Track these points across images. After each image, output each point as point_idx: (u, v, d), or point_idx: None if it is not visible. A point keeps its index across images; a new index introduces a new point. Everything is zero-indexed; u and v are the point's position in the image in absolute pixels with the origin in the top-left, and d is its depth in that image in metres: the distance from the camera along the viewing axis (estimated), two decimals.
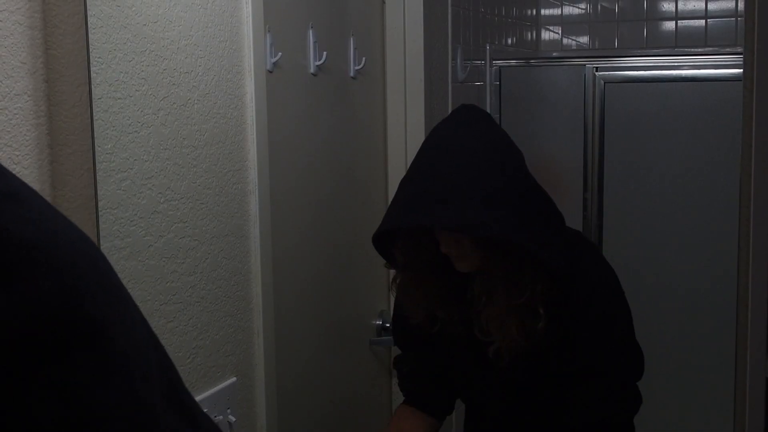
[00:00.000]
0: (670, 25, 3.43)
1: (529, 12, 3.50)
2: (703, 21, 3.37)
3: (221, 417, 1.70)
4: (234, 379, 1.75)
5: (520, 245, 1.52)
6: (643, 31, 3.47)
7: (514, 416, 1.76)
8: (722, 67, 2.85)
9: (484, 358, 1.66)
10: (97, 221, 1.33)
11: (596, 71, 2.92)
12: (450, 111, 2.57)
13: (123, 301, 0.61)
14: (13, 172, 1.19)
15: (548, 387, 1.69)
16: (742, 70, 1.16)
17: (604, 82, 2.92)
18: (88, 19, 1.30)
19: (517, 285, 1.55)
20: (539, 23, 3.57)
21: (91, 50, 1.30)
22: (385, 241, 1.70)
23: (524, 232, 1.52)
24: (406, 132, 2.47)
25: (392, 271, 1.79)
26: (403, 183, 1.63)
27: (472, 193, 1.50)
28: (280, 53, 1.87)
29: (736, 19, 3.30)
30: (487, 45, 2.87)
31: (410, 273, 1.70)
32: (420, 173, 1.58)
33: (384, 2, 2.43)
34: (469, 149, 1.55)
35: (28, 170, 1.22)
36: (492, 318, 1.59)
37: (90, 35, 1.30)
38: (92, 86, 1.31)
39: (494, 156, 1.56)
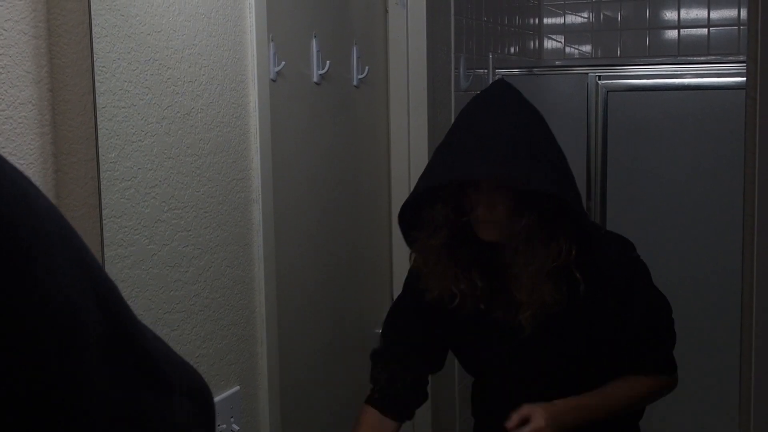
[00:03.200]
0: (672, 33, 3.43)
1: (531, 21, 3.50)
2: (706, 30, 3.37)
3: (224, 426, 1.70)
4: (237, 387, 1.75)
5: (557, 205, 1.56)
6: (646, 39, 3.47)
7: (529, 392, 1.74)
8: (725, 75, 2.85)
9: (501, 331, 1.69)
10: (101, 230, 1.34)
11: (599, 80, 2.92)
12: (453, 120, 2.59)
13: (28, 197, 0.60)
14: None
15: (570, 360, 1.71)
16: (744, 79, 1.17)
17: (607, 91, 2.92)
18: (93, 28, 1.30)
19: (552, 249, 1.57)
20: (542, 32, 3.57)
21: (95, 59, 1.31)
22: (405, 217, 1.71)
23: (568, 191, 1.57)
24: (409, 141, 2.47)
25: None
26: (442, 147, 1.65)
27: (517, 150, 1.54)
28: (283, 62, 1.87)
29: (739, 28, 3.30)
30: (490, 54, 2.88)
31: (434, 245, 1.67)
32: (461, 135, 1.62)
33: (387, 11, 2.44)
34: (509, 111, 1.60)
35: (32, 179, 1.23)
36: (526, 283, 1.60)
37: (94, 44, 1.31)
38: (96, 95, 1.32)
39: (533, 117, 1.62)
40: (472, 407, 1.93)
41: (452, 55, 2.59)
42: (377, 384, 1.85)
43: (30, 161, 1.22)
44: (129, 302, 1.57)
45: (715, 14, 3.35)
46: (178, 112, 1.55)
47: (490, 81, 2.86)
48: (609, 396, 1.70)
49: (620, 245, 1.74)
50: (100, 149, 1.33)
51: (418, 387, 1.85)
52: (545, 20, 3.58)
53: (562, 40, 3.61)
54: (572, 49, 3.61)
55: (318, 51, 2.04)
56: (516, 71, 3.07)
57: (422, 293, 1.73)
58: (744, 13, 3.27)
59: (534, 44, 3.52)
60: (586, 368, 1.72)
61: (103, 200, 1.34)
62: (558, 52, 3.61)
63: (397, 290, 2.51)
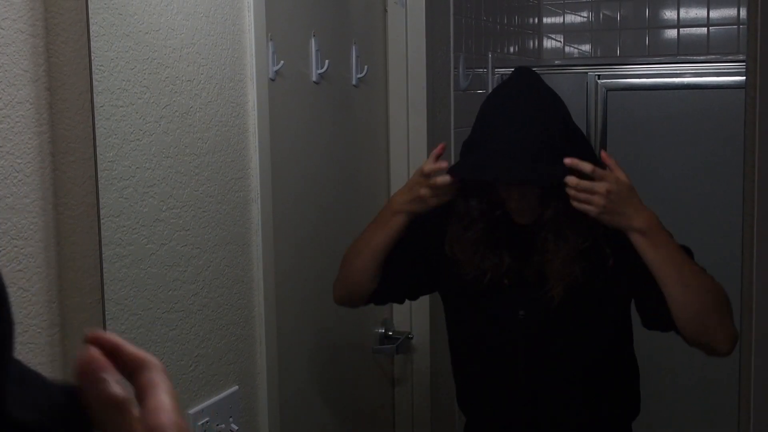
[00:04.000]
0: (672, 33, 3.42)
1: (531, 20, 3.50)
2: (705, 29, 3.36)
3: (223, 425, 1.70)
4: (236, 387, 1.75)
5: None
6: (645, 39, 3.47)
7: (543, 370, 1.78)
8: (724, 74, 2.85)
9: (526, 306, 1.75)
10: (99, 229, 1.33)
11: (598, 79, 2.92)
12: (452, 119, 2.58)
13: None
14: (15, 180, 1.19)
15: (588, 333, 1.75)
16: (744, 78, 1.16)
17: (606, 90, 2.92)
18: (90, 27, 1.30)
19: (581, 230, 1.67)
20: (541, 31, 3.57)
21: (93, 58, 1.30)
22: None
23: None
24: (408, 140, 2.47)
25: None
26: (471, 143, 1.73)
27: (542, 147, 1.64)
28: (282, 61, 1.87)
29: (738, 27, 3.29)
30: (490, 53, 2.87)
31: (470, 237, 1.75)
32: (489, 132, 1.70)
33: (386, 10, 2.44)
34: (534, 107, 1.69)
35: (30, 178, 1.22)
36: (558, 265, 1.67)
37: (92, 43, 1.30)
38: (94, 94, 1.31)
39: (557, 112, 1.72)
40: (465, 398, 1.91)
41: (451, 55, 2.58)
42: None
43: (27, 160, 1.22)
44: (127, 302, 1.57)
45: (715, 13, 3.35)
46: (176, 111, 1.55)
47: (490, 80, 2.86)
48: (686, 257, 1.69)
49: None
50: (98, 148, 1.33)
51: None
52: (545, 20, 3.58)
53: (562, 40, 3.60)
54: (572, 49, 3.61)
55: (317, 50, 2.04)
56: None
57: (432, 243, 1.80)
58: (743, 13, 3.26)
59: (533, 44, 3.52)
60: (602, 343, 1.77)
61: (101, 199, 1.34)
62: (557, 52, 3.61)
63: None
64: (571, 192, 1.60)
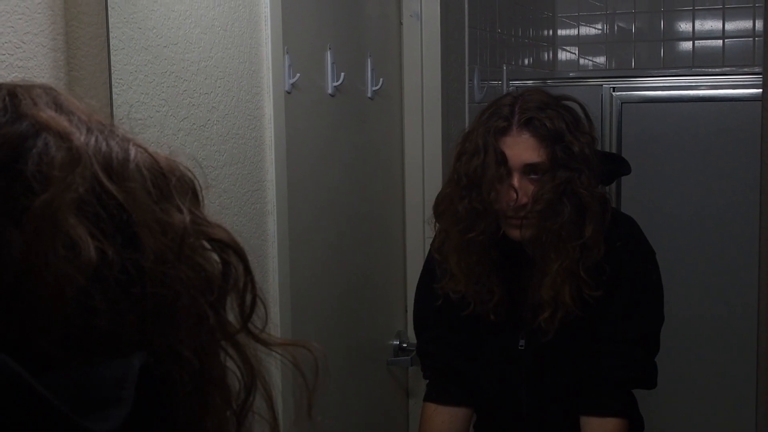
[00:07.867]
0: (687, 45, 3.42)
1: (545, 32, 3.50)
2: (720, 41, 3.36)
3: None
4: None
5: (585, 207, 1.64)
6: (660, 51, 3.47)
7: (541, 397, 1.76)
8: (740, 87, 2.84)
9: (522, 335, 1.72)
10: None
11: (613, 91, 2.92)
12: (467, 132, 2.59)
13: None
14: None
15: (578, 363, 1.72)
16: (759, 90, 1.16)
17: (621, 102, 2.92)
18: (110, 41, 1.31)
19: (575, 251, 1.60)
20: (556, 44, 3.58)
21: (112, 72, 1.32)
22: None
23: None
24: (423, 152, 2.47)
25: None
26: None
27: None
28: (298, 74, 1.88)
29: (754, 39, 3.29)
30: (504, 65, 2.88)
31: (468, 248, 1.67)
32: None
33: (401, 23, 2.45)
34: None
35: None
36: (548, 285, 1.61)
37: (111, 57, 1.32)
38: (113, 107, 1.33)
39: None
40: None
41: (466, 67, 2.59)
42: (427, 379, 1.90)
43: None
44: None
45: (730, 25, 3.35)
46: (194, 123, 1.56)
47: (504, 93, 2.86)
48: None
49: (627, 228, 1.79)
50: None
51: (469, 371, 1.84)
52: (559, 32, 3.58)
53: (576, 52, 3.61)
54: (586, 61, 3.61)
55: (333, 63, 2.05)
56: (530, 83, 3.07)
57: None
58: (759, 25, 3.26)
59: (548, 56, 3.53)
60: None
61: None
62: (572, 64, 3.61)
63: (412, 301, 2.51)
64: None
